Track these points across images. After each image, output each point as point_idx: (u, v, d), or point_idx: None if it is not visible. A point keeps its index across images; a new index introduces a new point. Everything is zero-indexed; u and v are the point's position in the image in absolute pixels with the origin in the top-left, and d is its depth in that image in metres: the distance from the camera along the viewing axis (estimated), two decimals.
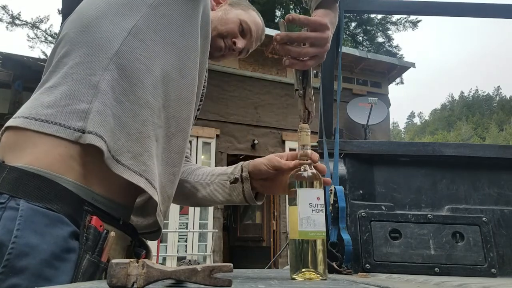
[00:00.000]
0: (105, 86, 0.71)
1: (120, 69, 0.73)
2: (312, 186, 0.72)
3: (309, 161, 0.76)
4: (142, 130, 0.73)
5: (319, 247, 0.70)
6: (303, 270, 0.69)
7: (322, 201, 0.72)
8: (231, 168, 0.96)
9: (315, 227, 0.69)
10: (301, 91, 0.80)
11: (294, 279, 0.69)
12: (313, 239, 0.69)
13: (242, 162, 0.94)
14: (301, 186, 0.72)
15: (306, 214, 0.70)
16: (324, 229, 0.72)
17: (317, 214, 0.70)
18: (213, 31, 0.99)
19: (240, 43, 1.03)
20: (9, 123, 0.70)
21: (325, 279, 0.69)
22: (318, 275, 0.68)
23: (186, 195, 0.99)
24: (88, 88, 0.70)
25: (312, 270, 0.69)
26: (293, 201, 0.72)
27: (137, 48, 0.75)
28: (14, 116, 0.71)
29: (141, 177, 0.71)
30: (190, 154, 1.12)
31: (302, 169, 0.75)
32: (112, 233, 0.70)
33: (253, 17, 1.07)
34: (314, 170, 0.75)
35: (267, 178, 0.92)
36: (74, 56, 0.74)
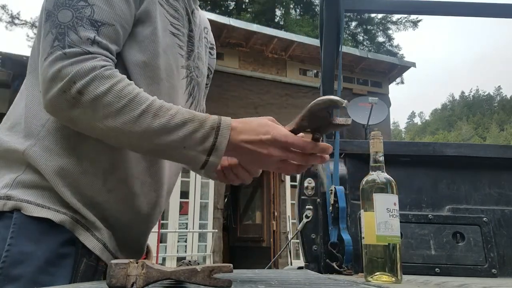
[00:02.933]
0: (39, 151, 0.65)
1: (52, 135, 0.67)
2: (386, 191, 0.75)
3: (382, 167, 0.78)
4: (91, 197, 0.68)
5: (395, 251, 0.72)
6: (377, 273, 0.72)
7: (398, 207, 0.74)
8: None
9: (393, 231, 0.72)
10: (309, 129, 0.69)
11: (369, 281, 0.72)
12: (392, 243, 0.72)
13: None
14: (379, 191, 0.75)
15: (384, 219, 0.72)
16: (399, 234, 0.73)
17: (394, 220, 0.73)
18: None
19: None
20: None
21: (400, 283, 0.71)
22: (393, 278, 0.71)
23: None
24: (21, 164, 0.66)
25: (387, 273, 0.71)
26: (369, 207, 0.75)
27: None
28: None
29: (98, 242, 0.68)
30: None
31: (376, 175, 0.77)
32: None
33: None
34: (388, 176, 0.77)
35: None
36: (14, 114, 0.71)
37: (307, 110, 0.64)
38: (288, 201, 7.05)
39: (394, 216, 0.73)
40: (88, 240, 0.66)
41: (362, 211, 0.77)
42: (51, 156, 0.65)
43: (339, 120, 0.63)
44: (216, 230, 6.44)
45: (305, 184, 1.17)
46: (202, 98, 0.92)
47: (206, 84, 0.97)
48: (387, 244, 0.72)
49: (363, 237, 0.75)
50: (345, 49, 7.85)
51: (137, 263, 0.44)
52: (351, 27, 13.10)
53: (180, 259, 5.97)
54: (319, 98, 0.63)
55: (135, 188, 0.72)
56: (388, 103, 8.40)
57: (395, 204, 0.74)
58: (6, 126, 0.70)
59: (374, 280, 0.71)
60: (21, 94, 0.72)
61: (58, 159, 0.65)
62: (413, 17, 12.80)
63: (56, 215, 0.63)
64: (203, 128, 0.62)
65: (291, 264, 5.23)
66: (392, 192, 0.75)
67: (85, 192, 0.67)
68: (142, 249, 0.81)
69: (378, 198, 0.74)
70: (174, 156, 0.64)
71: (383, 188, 0.75)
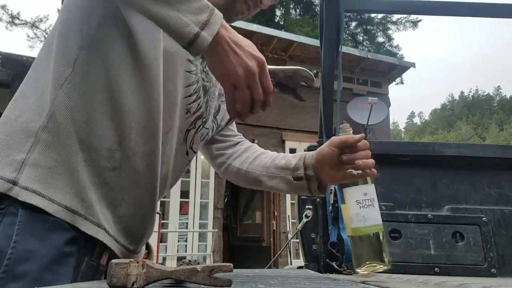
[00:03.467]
0: (45, 134, 0.66)
1: (62, 110, 0.67)
2: (357, 183, 0.76)
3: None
4: (91, 177, 0.68)
5: (376, 239, 0.73)
6: (367, 263, 0.73)
7: (371, 196, 0.75)
8: (294, 160, 0.90)
9: (365, 222, 0.72)
10: (275, 88, 0.81)
11: (357, 273, 0.74)
12: (370, 233, 0.73)
13: (305, 154, 0.89)
14: (347, 186, 0.77)
15: (355, 211, 0.73)
16: (377, 222, 0.74)
17: (367, 210, 0.73)
18: None
19: (266, 1, 0.85)
20: None
21: (389, 267, 0.72)
22: (381, 265, 0.72)
23: (252, 184, 0.96)
24: (27, 136, 0.66)
25: (374, 262, 0.72)
26: (343, 200, 0.77)
27: (82, 82, 0.68)
28: None
29: (99, 227, 0.67)
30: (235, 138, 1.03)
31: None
32: None
33: None
34: (359, 170, 0.77)
35: (332, 166, 0.84)
36: (20, 100, 0.70)
37: (291, 70, 0.73)
38: (288, 201, 7.05)
39: (366, 206, 0.73)
40: (86, 226, 0.65)
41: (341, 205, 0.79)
42: (59, 134, 0.66)
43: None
44: (216, 230, 6.45)
45: None
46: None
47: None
48: (363, 235, 0.72)
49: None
50: (345, 49, 7.85)
51: (137, 262, 0.44)
52: (351, 27, 13.11)
53: (180, 259, 5.97)
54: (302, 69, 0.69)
55: (139, 166, 0.72)
56: (388, 103, 8.40)
57: (365, 194, 0.74)
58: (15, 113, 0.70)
59: (362, 271, 0.72)
60: (26, 83, 0.72)
61: (65, 137, 0.66)
62: (413, 17, 12.81)
63: (51, 205, 0.63)
64: (200, 1, 0.59)
65: (291, 264, 5.23)
66: (364, 183, 0.76)
67: (90, 170, 0.67)
68: (143, 235, 0.80)
69: (347, 192, 0.76)
70: (165, 16, 0.58)
71: (354, 180, 0.76)
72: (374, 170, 0.79)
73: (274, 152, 0.97)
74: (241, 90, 0.64)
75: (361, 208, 0.73)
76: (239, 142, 1.02)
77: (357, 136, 0.79)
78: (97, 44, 0.69)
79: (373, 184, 0.77)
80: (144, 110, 0.71)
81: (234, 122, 1.02)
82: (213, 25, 0.59)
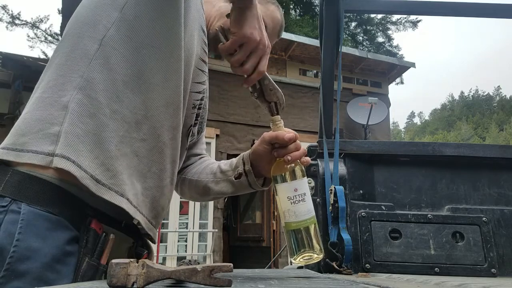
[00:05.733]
0: (75, 105, 0.68)
1: (92, 84, 0.70)
2: (288, 179, 0.77)
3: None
4: (120, 147, 0.70)
5: (308, 232, 0.75)
6: (301, 252, 0.74)
7: (302, 191, 0.75)
8: (235, 160, 0.95)
9: (296, 217, 0.74)
10: (255, 93, 0.84)
11: (292, 263, 0.74)
12: (301, 227, 0.74)
13: (243, 154, 0.94)
14: (278, 181, 0.77)
15: (287, 207, 0.75)
16: (308, 216, 0.75)
17: (297, 205, 0.74)
18: (225, 25, 0.94)
19: None
20: None
21: (321, 256, 0.75)
22: (314, 254, 0.74)
23: (201, 194, 1.00)
24: (59, 110, 0.68)
25: (307, 251, 0.74)
26: (276, 193, 0.78)
27: (110, 57, 0.71)
28: (1, 146, 0.70)
29: (122, 197, 0.69)
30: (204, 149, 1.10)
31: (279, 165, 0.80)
32: (112, 236, 0.70)
33: (270, 11, 1.01)
34: (293, 164, 0.79)
35: (268, 160, 0.88)
36: (47, 78, 0.73)
37: (274, 85, 0.83)
38: None
39: (297, 201, 0.74)
40: (110, 195, 0.67)
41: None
42: (88, 106, 0.69)
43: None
44: (216, 230, 6.45)
45: None
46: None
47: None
48: (295, 229, 0.75)
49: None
50: (344, 49, 7.85)
51: (137, 262, 0.44)
52: (351, 28, 13.11)
53: (180, 259, 5.98)
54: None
55: (165, 138, 0.77)
56: (388, 103, 8.40)
57: (296, 190, 0.75)
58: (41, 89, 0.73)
59: (296, 262, 0.75)
60: (54, 66, 0.74)
61: (94, 109, 0.69)
62: (412, 17, 12.81)
63: (79, 171, 0.65)
64: None
65: (291, 264, 5.24)
66: (294, 179, 0.76)
67: (119, 140, 0.70)
68: (164, 208, 0.82)
69: (279, 188, 0.77)
70: None
71: (282, 177, 0.77)
72: (307, 158, 0.82)
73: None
74: (246, 49, 0.74)
75: (292, 204, 0.74)
76: (201, 157, 1.07)
77: (287, 136, 0.81)
78: (125, 24, 0.73)
79: (305, 178, 0.78)
80: (169, 88, 0.76)
81: (204, 142, 1.09)
82: None
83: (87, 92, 0.69)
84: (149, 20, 0.74)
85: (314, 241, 0.75)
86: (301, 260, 0.75)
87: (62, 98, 0.69)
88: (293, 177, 0.77)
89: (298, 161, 0.80)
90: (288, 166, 0.78)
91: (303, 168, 0.80)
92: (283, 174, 0.77)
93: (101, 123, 0.69)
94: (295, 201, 0.74)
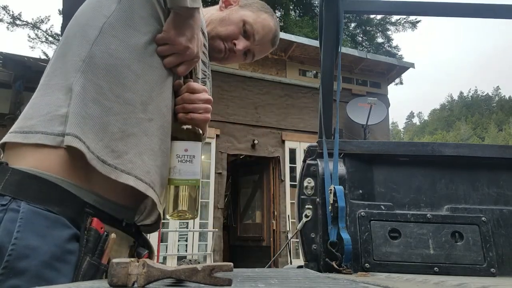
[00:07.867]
0: (79, 88, 0.70)
1: (94, 68, 0.72)
2: (180, 138, 0.80)
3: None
4: (125, 129, 0.72)
5: (187, 192, 0.78)
6: (177, 210, 0.77)
7: (192, 153, 0.79)
8: None
9: (180, 175, 0.78)
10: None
11: (167, 219, 0.78)
12: (182, 185, 0.78)
13: None
14: (173, 139, 0.80)
15: (173, 164, 0.78)
16: (191, 177, 0.78)
17: (184, 164, 0.78)
18: (212, 32, 0.98)
19: (241, 44, 0.98)
20: (3, 139, 0.72)
21: (194, 217, 0.79)
22: (188, 214, 0.77)
23: None
24: (65, 93, 0.70)
25: (183, 210, 0.77)
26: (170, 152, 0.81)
27: (111, 44, 0.73)
28: (9, 131, 0.72)
29: (129, 175, 0.70)
30: None
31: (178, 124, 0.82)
32: (113, 235, 0.70)
33: (261, 19, 1.01)
34: (189, 126, 0.81)
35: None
36: (53, 66, 0.75)
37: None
38: (288, 201, 7.05)
39: (184, 161, 0.78)
40: (116, 174, 0.69)
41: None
42: (92, 89, 0.71)
43: None
44: (217, 230, 6.45)
45: (305, 184, 1.18)
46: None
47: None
48: (176, 186, 0.78)
49: None
50: (344, 49, 7.85)
51: (138, 262, 0.45)
52: (351, 28, 13.11)
53: (180, 258, 5.98)
54: None
55: (170, 117, 0.79)
56: (387, 104, 8.40)
57: (186, 150, 0.78)
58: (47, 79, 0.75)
59: (170, 217, 0.78)
60: (58, 59, 0.76)
61: (97, 93, 0.71)
62: (412, 18, 12.81)
63: (88, 153, 0.67)
64: None
65: (291, 263, 5.23)
66: (186, 139, 0.79)
67: (127, 121, 0.72)
68: (163, 193, 0.83)
69: (173, 145, 0.80)
70: None
71: (176, 136, 0.80)
72: (206, 115, 0.84)
73: None
74: (170, 49, 0.78)
75: (179, 162, 0.78)
76: None
77: (203, 93, 0.84)
78: (123, 14, 0.76)
79: (199, 142, 0.81)
80: (165, 69, 0.79)
81: None
82: (197, 3, 0.75)
83: (89, 77, 0.71)
84: (141, 9, 0.77)
85: (192, 203, 0.78)
86: (175, 215, 0.78)
87: (67, 81, 0.71)
88: (186, 138, 0.80)
89: (197, 127, 0.82)
90: (185, 127, 0.81)
91: (200, 132, 0.83)
92: (178, 133, 0.81)
93: (104, 107, 0.71)
94: (182, 160, 0.78)
